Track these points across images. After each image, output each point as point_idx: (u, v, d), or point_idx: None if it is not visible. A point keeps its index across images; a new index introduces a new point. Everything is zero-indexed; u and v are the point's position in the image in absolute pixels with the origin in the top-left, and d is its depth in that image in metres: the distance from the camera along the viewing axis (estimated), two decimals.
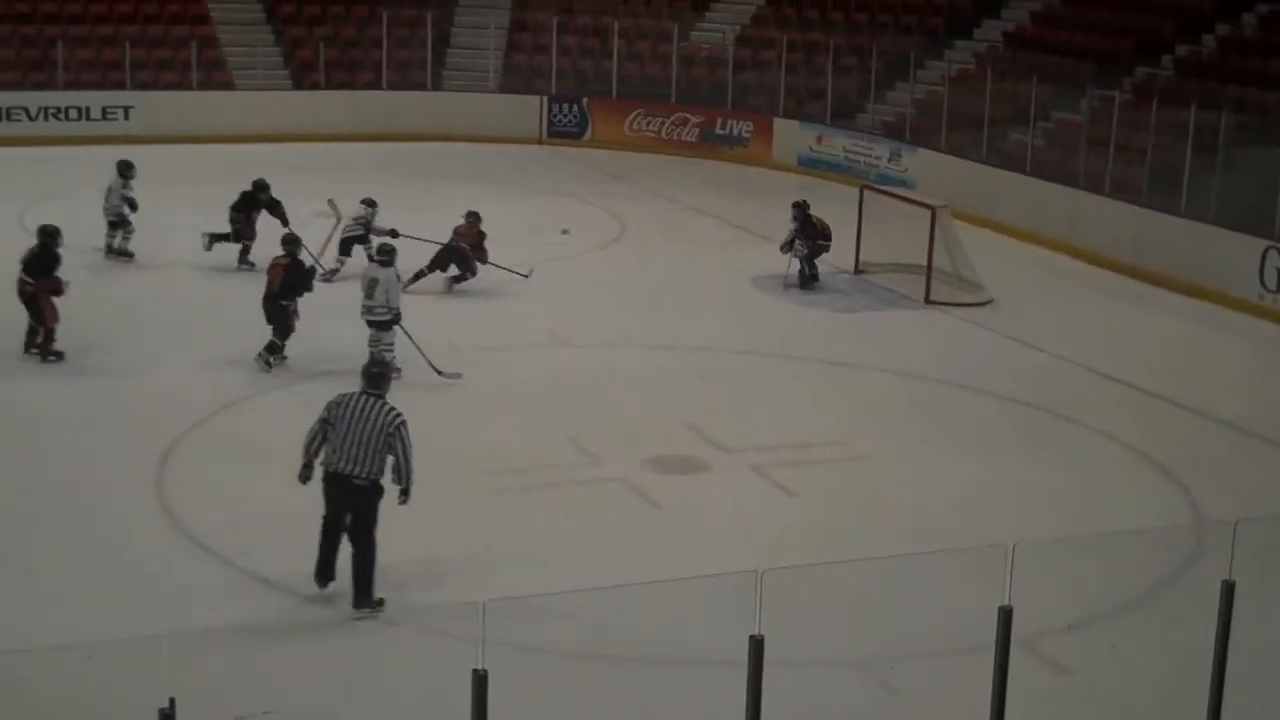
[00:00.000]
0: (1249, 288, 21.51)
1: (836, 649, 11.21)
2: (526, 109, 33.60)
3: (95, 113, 31.25)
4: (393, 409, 11.51)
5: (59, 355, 17.19)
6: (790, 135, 31.59)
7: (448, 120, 33.00)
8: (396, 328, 16.70)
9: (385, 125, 32.41)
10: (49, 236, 17.52)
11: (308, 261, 18.54)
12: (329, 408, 11.54)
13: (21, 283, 17.19)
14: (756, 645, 7.83)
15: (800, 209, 21.76)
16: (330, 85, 33.43)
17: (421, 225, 23.41)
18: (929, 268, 21.38)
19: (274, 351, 17.17)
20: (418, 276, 20.24)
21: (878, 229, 22.19)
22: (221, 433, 15.34)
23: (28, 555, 12.33)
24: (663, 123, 33.13)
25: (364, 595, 11.33)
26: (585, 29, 34.86)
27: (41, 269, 17.24)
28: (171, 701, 7.28)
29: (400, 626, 11.09)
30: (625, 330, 19.50)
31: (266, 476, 14.11)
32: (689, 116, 32.99)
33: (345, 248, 21.16)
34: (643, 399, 16.80)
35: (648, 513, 13.83)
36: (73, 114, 31.10)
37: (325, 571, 11.51)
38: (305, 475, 11.65)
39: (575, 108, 33.66)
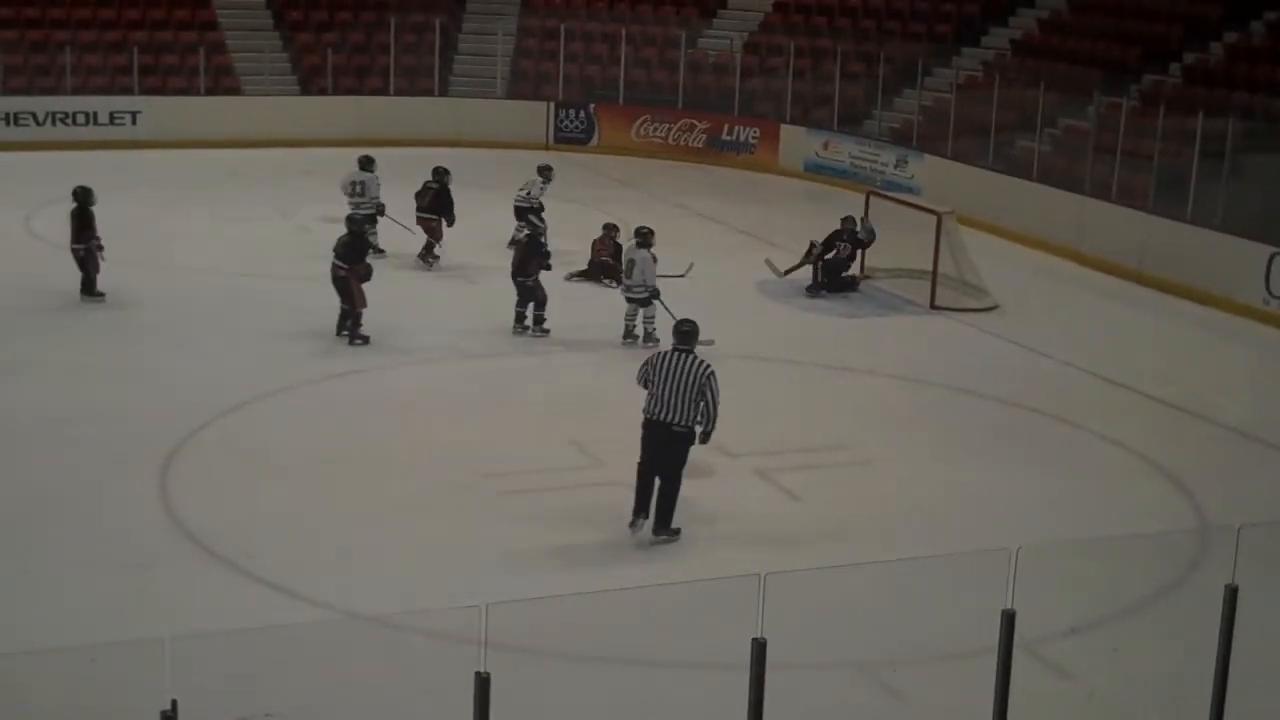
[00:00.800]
0: (1255, 294, 21.49)
1: (839, 652, 11.20)
2: (533, 115, 33.63)
3: (103, 118, 31.29)
4: (704, 361, 12.91)
5: (365, 339, 18.13)
6: (797, 141, 31.60)
7: (455, 126, 33.04)
8: (656, 303, 18.62)
9: (392, 131, 32.40)
10: (358, 224, 18.86)
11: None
12: (646, 366, 13.03)
13: (335, 268, 18.13)
14: (759, 648, 7.82)
15: (849, 222, 21.93)
16: (338, 91, 33.48)
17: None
18: (934, 273, 21.37)
19: (538, 323, 19.01)
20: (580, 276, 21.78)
21: (883, 235, 22.17)
22: (226, 435, 15.34)
23: (29, 556, 12.33)
24: (669, 129, 33.15)
25: (665, 524, 13.02)
26: (592, 35, 34.88)
27: (353, 256, 18.20)
28: (174, 704, 7.28)
29: (402, 629, 11.08)
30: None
31: (271, 479, 14.16)
32: (696, 122, 33.01)
33: (519, 215, 22.66)
34: None
35: None
36: (80, 119, 31.15)
37: (642, 509, 13.05)
38: None
39: (582, 114, 33.69)
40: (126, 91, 31.76)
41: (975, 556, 12.28)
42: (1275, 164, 23.15)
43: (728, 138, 32.70)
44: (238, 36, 34.12)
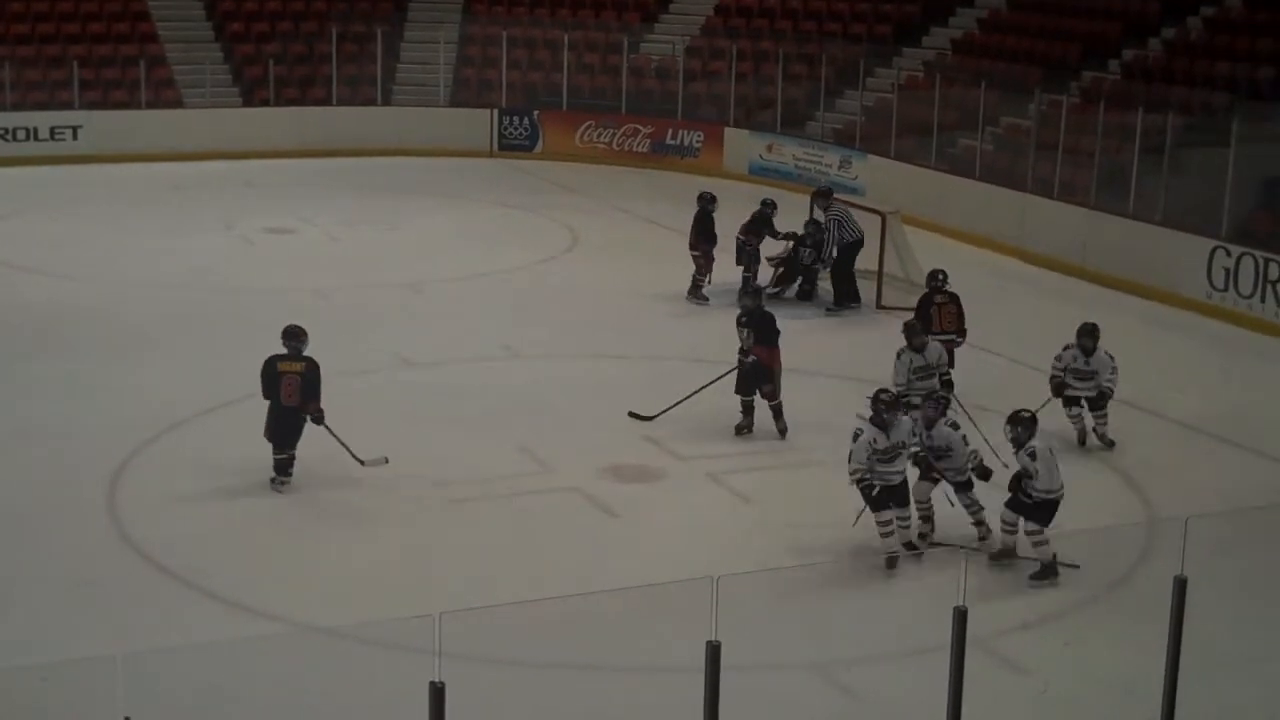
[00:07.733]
0: (1197, 287, 21.67)
1: (793, 653, 11.24)
2: (477, 122, 33.52)
3: (44, 133, 30.98)
4: None
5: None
6: (741, 144, 31.66)
7: (398, 135, 32.89)
8: None
9: (336, 141, 32.28)
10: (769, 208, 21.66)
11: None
12: None
13: None
14: (713, 651, 7.84)
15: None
16: (280, 102, 33.24)
17: (365, 238, 23.39)
18: (880, 273, 21.45)
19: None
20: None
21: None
22: (173, 450, 15.25)
23: None
24: (614, 134, 33.13)
25: None
26: (535, 42, 34.84)
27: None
28: None
29: (355, 640, 11.05)
30: (577, 341, 19.51)
31: (219, 493, 14.08)
32: (640, 127, 33.00)
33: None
34: (596, 409, 16.80)
35: (603, 521, 13.84)
36: (20, 134, 30.81)
37: None
38: None
39: (526, 120, 33.64)
40: (67, 106, 31.46)
41: (927, 554, 12.37)
42: (1214, 157, 23.31)
43: (672, 142, 32.72)
44: (178, 49, 33.85)
